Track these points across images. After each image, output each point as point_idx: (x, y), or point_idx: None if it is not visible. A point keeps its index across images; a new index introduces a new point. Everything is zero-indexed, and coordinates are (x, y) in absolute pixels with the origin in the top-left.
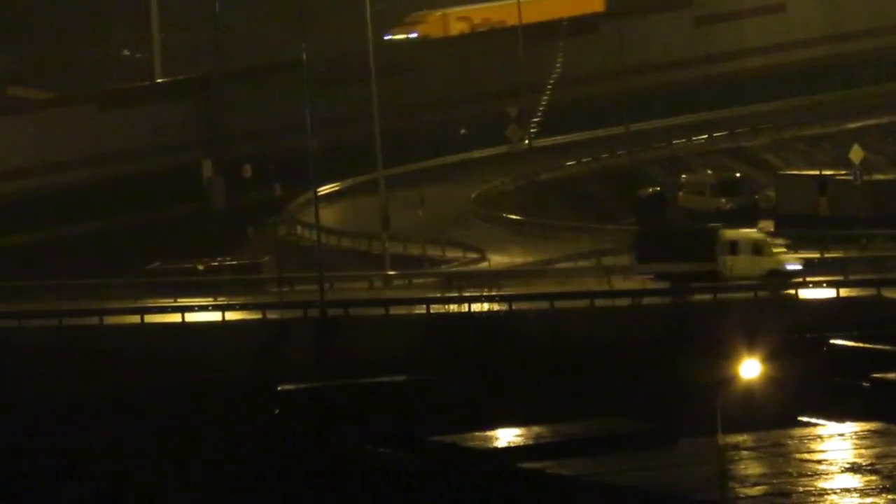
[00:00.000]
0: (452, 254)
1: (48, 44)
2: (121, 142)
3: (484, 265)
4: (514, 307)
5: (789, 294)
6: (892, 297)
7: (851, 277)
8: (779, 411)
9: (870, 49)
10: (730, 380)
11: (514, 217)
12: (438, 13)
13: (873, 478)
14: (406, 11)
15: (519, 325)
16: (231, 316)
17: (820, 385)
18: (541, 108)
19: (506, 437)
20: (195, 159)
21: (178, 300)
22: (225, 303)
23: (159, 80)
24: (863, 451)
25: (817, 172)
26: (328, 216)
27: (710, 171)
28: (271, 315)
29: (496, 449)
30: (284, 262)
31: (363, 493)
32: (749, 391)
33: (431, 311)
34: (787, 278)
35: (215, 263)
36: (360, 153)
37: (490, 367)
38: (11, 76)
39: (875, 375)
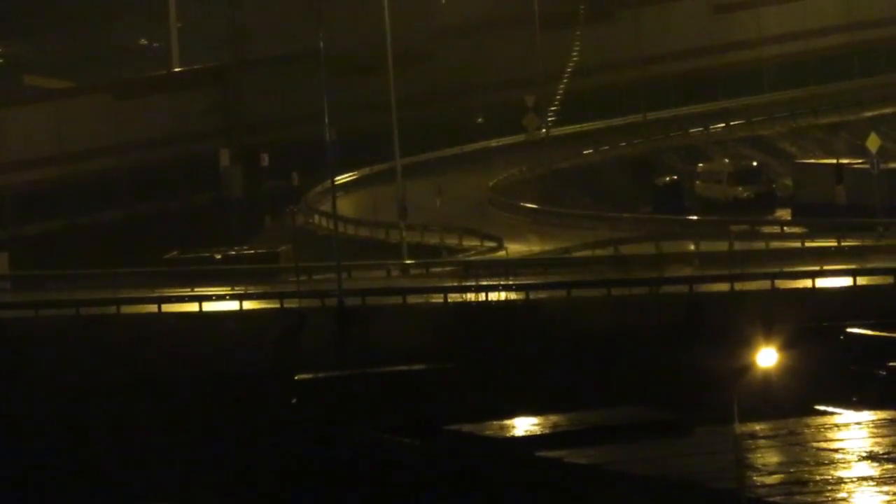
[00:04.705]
0: (469, 243)
1: (65, 33)
2: (138, 131)
3: (501, 254)
4: (531, 296)
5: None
6: None
7: (868, 266)
8: (796, 400)
9: (887, 37)
10: (747, 368)
11: (531, 206)
12: None
13: (891, 466)
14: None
15: (536, 313)
16: (248, 305)
17: (837, 373)
18: (558, 97)
19: (523, 425)
20: (212, 148)
21: (196, 289)
22: (242, 292)
23: (176, 69)
24: (880, 439)
25: (834, 161)
26: (345, 205)
27: (727, 160)
28: (289, 304)
29: (514, 438)
30: (302, 252)
31: (379, 483)
32: (766, 380)
33: (448, 300)
34: None
35: (233, 252)
36: (378, 142)
37: (507, 356)
38: (28, 65)
39: (892, 364)
